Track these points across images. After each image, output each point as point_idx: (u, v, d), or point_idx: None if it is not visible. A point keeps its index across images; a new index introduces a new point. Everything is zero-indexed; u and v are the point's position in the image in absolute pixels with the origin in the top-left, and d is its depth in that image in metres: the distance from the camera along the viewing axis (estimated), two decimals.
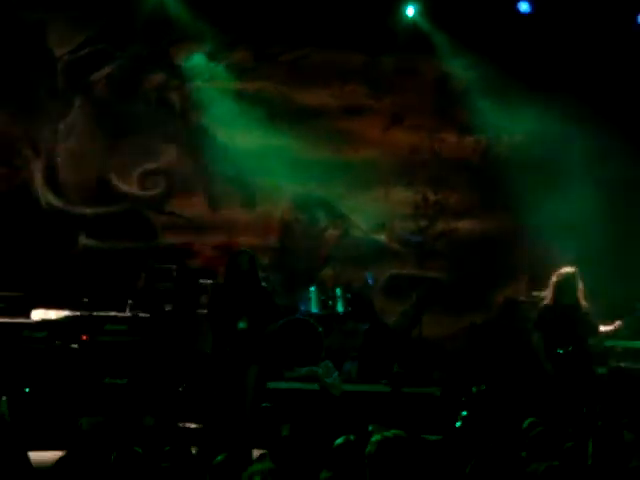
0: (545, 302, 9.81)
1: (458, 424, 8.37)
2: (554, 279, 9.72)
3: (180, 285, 12.44)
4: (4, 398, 10.21)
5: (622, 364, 11.46)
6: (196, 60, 13.69)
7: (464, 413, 7.80)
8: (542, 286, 10.71)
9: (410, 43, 13.74)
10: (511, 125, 13.90)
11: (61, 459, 5.71)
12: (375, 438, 5.48)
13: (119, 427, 9.16)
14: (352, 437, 6.08)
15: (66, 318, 11.22)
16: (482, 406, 7.03)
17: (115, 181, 13.59)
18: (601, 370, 10.88)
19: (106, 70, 13.63)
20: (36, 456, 6.83)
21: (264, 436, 9.54)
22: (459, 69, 14.06)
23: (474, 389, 7.04)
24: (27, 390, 10.41)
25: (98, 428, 10.46)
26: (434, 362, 12.59)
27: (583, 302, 9.62)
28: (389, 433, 5.50)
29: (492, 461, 6.24)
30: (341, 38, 13.67)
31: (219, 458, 5.92)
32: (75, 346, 10.99)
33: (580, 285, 9.61)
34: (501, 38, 13.68)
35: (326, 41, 13.75)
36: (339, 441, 6.08)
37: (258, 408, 10.23)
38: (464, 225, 14.31)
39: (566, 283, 9.65)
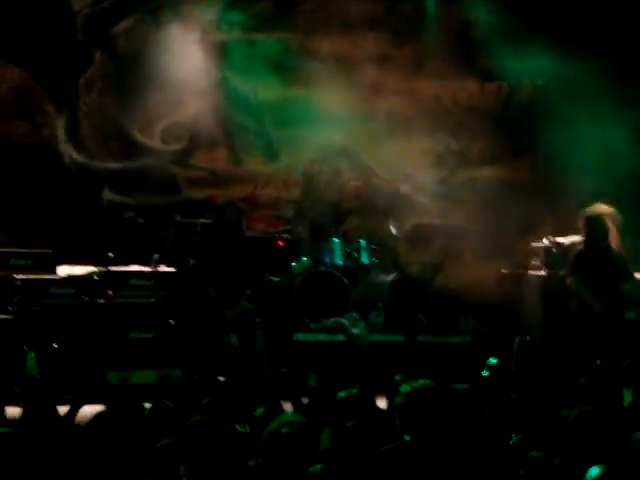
0: (579, 247, 9.74)
1: (485, 373, 8.36)
2: (584, 222, 9.64)
3: (204, 239, 12.39)
4: (32, 354, 10.27)
5: None
6: (215, 11, 13.60)
7: (492, 361, 7.77)
8: (570, 231, 10.66)
9: None
10: (531, 70, 13.79)
11: (98, 415, 5.72)
12: (404, 389, 5.46)
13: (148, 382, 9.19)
14: (355, 390, 6.05)
15: (92, 274, 11.21)
16: (527, 356, 7.02)
17: (138, 135, 13.56)
18: (629, 315, 10.80)
19: (125, 24, 13.56)
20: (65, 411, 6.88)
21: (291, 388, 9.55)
22: (480, 15, 13.90)
23: (517, 339, 7.02)
24: (55, 346, 10.45)
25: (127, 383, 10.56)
26: (460, 311, 12.56)
27: (616, 245, 9.55)
28: (418, 384, 5.49)
29: (516, 407, 6.22)
30: None
31: (259, 411, 5.92)
32: (101, 301, 10.99)
33: (612, 227, 9.54)
34: None
35: None
36: (342, 394, 6.05)
37: (274, 371, 10.22)
38: (488, 173, 14.22)
39: (597, 226, 9.57)
